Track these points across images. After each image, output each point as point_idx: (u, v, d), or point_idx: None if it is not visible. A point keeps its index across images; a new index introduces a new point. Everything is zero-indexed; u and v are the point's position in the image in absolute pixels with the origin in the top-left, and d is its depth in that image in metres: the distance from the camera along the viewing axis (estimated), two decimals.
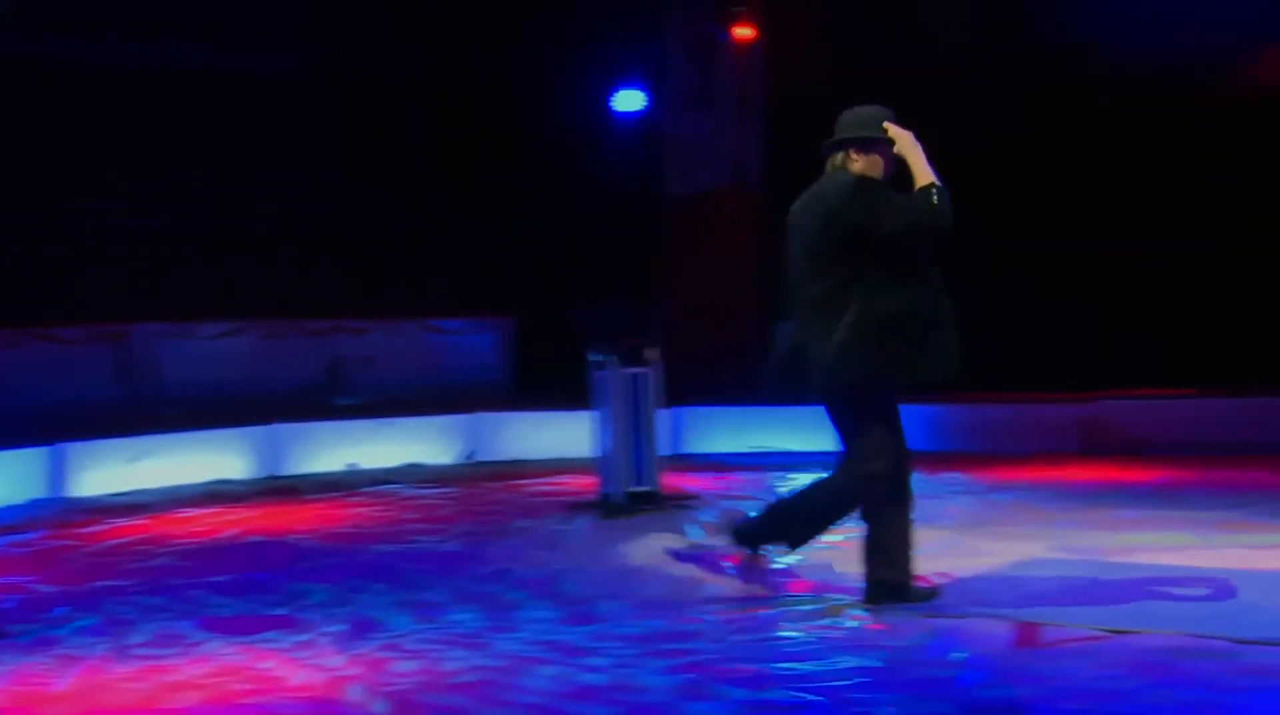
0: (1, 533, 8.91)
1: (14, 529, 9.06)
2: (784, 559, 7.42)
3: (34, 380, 12.13)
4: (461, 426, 12.47)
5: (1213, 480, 9.84)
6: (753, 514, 6.53)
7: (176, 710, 5.07)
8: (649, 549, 7.86)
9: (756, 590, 6.43)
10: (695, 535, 8.28)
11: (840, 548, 7.70)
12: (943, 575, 6.72)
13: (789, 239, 6.19)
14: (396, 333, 14.03)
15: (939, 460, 11.35)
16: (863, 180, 6.00)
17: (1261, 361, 12.51)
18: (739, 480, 10.73)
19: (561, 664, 5.43)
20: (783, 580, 6.79)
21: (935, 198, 5.88)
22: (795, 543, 6.45)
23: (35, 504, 10.10)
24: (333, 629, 6.12)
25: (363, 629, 6.11)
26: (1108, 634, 5.50)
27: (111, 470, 10.73)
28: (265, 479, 11.30)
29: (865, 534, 6.18)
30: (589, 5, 14.07)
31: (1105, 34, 12.62)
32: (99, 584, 7.25)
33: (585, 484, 9.93)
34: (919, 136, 6.06)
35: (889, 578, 6.12)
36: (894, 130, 6.06)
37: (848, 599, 6.28)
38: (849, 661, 5.28)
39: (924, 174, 5.94)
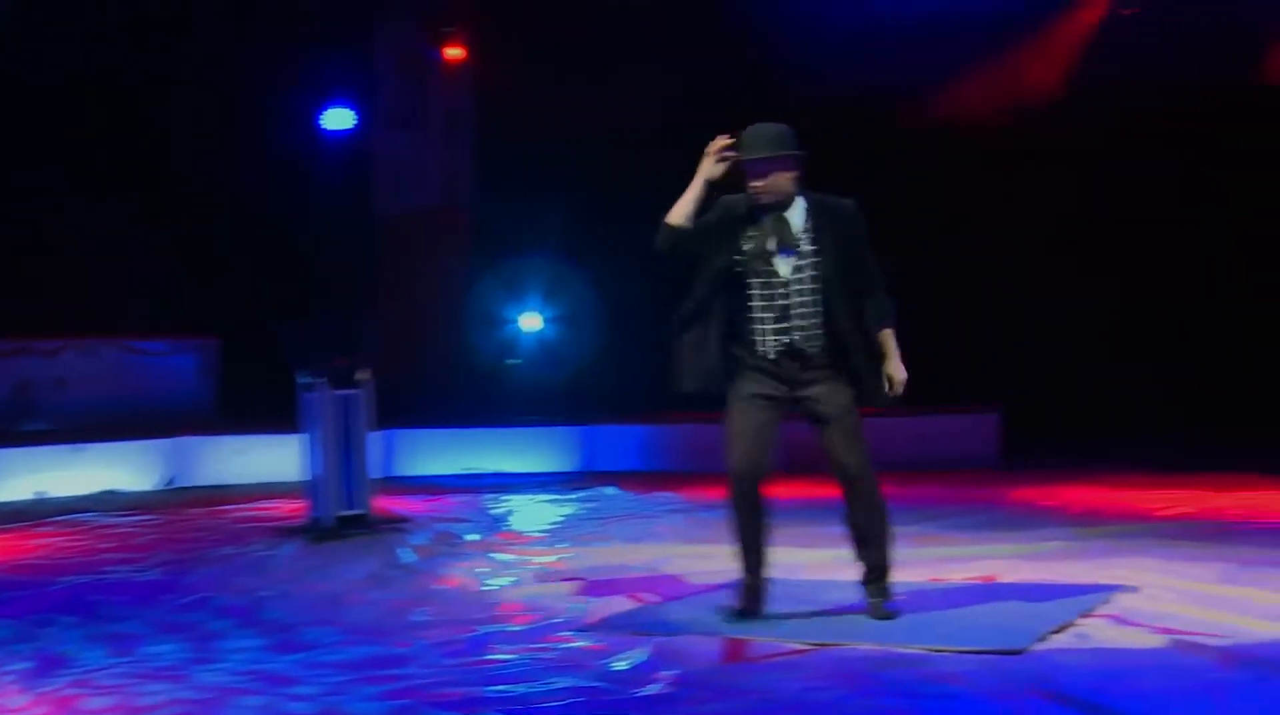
0: None
1: None
2: (497, 581, 7.39)
3: None
4: (162, 451, 12.08)
5: (906, 496, 10.21)
6: (868, 550, 6.11)
7: None
8: (358, 573, 7.71)
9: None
10: (407, 558, 8.17)
11: (551, 568, 7.74)
12: (654, 595, 6.80)
13: None
14: (92, 353, 13.43)
15: (652, 480, 11.54)
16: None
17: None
18: (451, 502, 10.66)
19: (268, 694, 5.25)
20: (493, 603, 6.76)
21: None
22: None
23: None
24: (17, 666, 5.75)
25: (50, 665, 5.77)
26: (813, 647, 5.66)
27: None
28: None
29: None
30: (298, 22, 13.79)
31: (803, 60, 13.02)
32: None
33: (293, 509, 9.70)
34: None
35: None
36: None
37: (561, 619, 6.28)
38: (562, 682, 5.26)
39: None
